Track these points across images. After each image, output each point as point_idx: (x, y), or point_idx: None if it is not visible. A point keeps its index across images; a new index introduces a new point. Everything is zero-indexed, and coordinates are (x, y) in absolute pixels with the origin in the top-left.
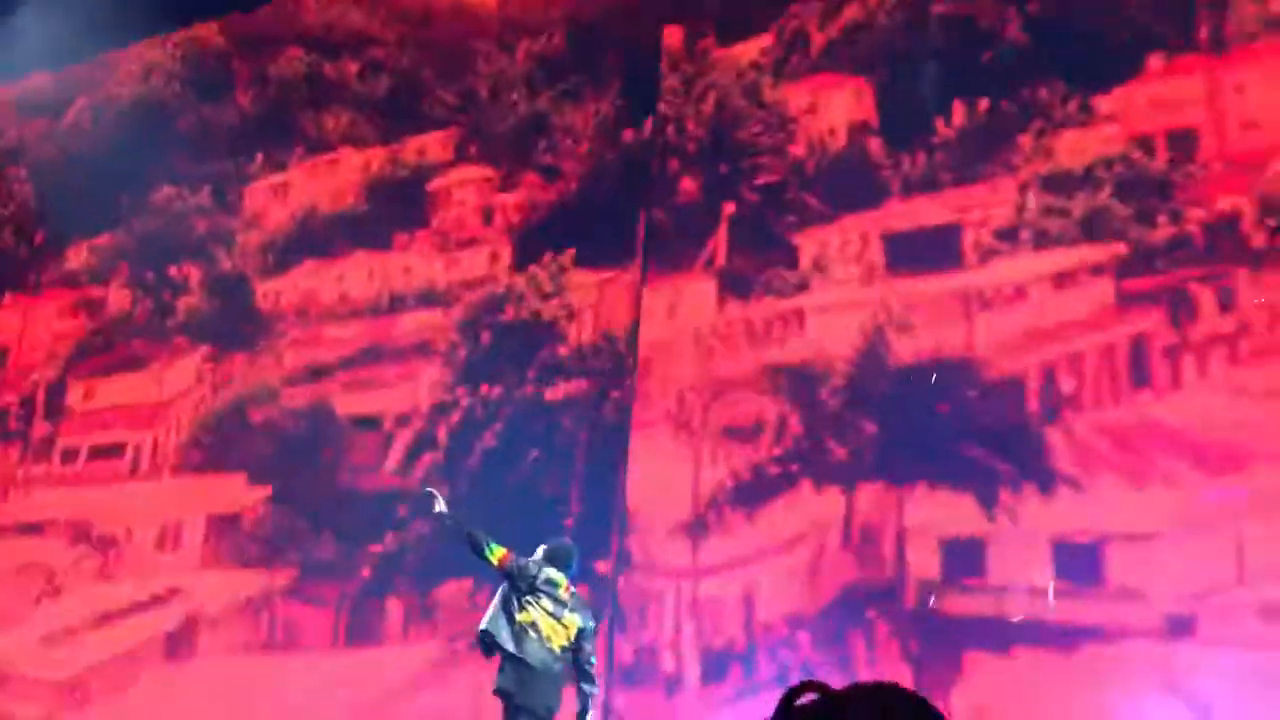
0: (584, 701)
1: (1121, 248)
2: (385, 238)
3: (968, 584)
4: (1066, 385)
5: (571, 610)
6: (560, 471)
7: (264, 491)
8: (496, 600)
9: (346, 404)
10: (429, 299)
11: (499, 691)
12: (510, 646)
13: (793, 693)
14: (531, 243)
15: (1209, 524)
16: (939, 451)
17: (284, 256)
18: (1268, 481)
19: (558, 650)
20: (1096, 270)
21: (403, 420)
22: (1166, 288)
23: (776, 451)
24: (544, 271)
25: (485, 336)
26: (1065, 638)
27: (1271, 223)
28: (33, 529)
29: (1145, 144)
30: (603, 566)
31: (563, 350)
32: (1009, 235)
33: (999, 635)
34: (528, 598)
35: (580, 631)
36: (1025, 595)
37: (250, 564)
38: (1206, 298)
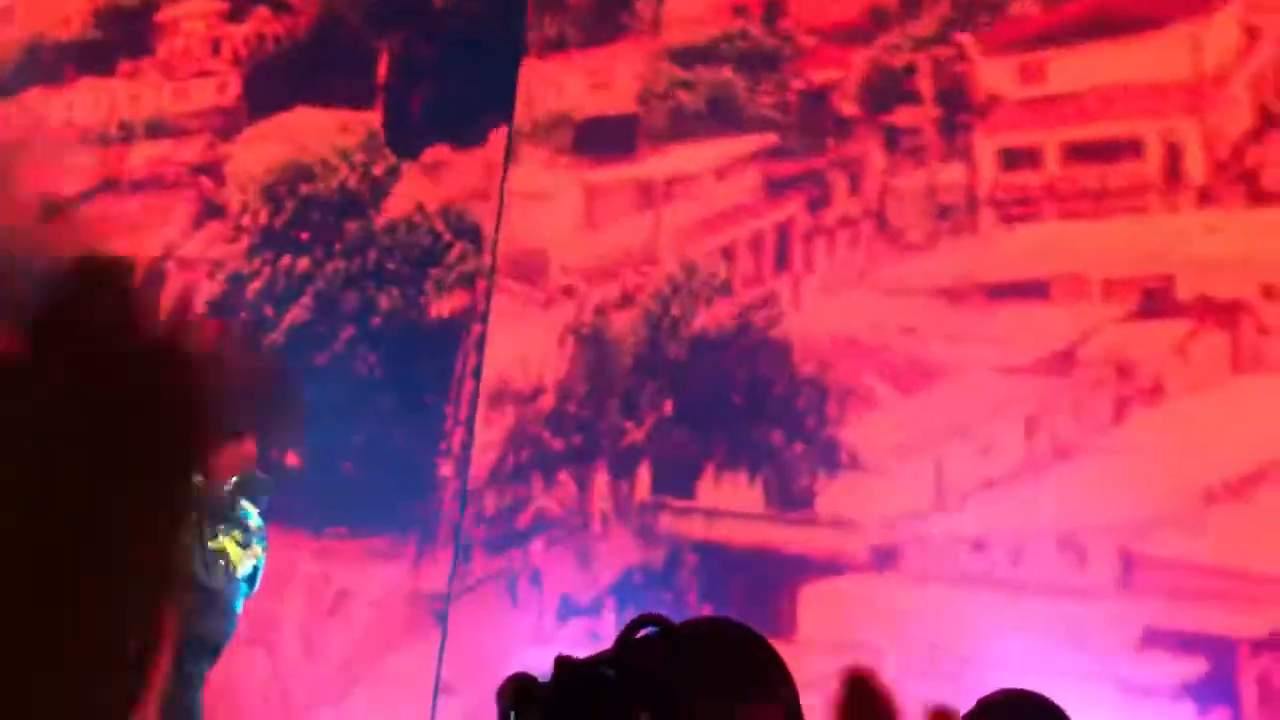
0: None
1: (771, 136)
2: (110, 66)
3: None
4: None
5: (258, 541)
6: (380, 353)
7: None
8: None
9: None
10: (158, 130)
11: None
12: (201, 574)
13: (632, 625)
14: (263, 79)
15: (910, 448)
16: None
17: (11, 83)
18: (953, 398)
19: (240, 579)
20: (753, 157)
21: (158, 269)
22: (808, 173)
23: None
24: (352, 139)
25: (289, 204)
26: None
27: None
28: None
29: (744, 12)
30: (446, 468)
31: (373, 223)
32: (644, 100)
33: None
34: (220, 525)
35: (258, 564)
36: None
37: None
38: (840, 184)
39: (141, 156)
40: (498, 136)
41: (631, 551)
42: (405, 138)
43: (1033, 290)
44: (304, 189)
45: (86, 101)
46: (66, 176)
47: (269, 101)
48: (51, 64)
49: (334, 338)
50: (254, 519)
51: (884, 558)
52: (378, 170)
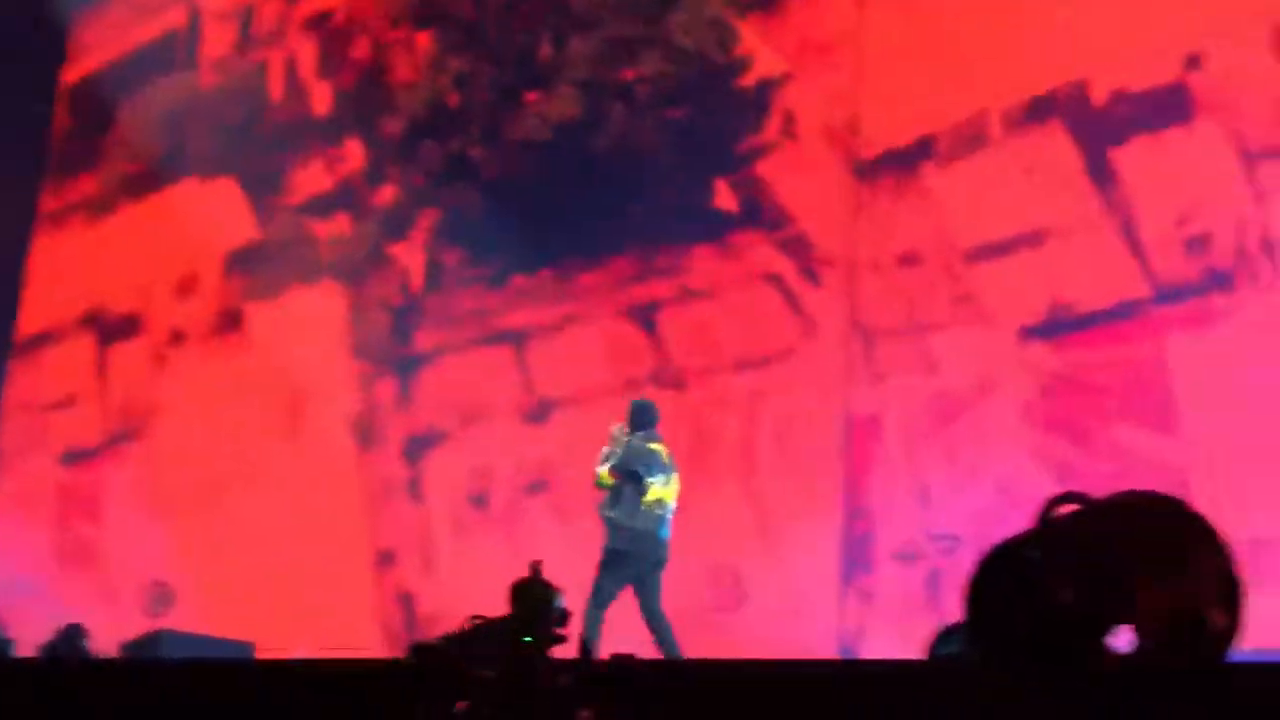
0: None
1: None
2: None
3: None
4: None
5: (674, 470)
6: None
7: None
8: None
9: None
10: None
11: (620, 549)
12: (640, 525)
13: (1051, 503)
14: None
15: None
16: None
17: None
18: None
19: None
20: None
21: None
22: None
23: None
24: None
25: None
26: None
27: None
28: None
29: None
30: None
31: None
32: None
33: None
34: (652, 479)
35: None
36: None
37: None
38: None
39: None
40: None
41: None
42: None
43: None
44: None
45: None
46: None
47: None
48: None
49: None
50: (665, 454)
51: None
52: None
